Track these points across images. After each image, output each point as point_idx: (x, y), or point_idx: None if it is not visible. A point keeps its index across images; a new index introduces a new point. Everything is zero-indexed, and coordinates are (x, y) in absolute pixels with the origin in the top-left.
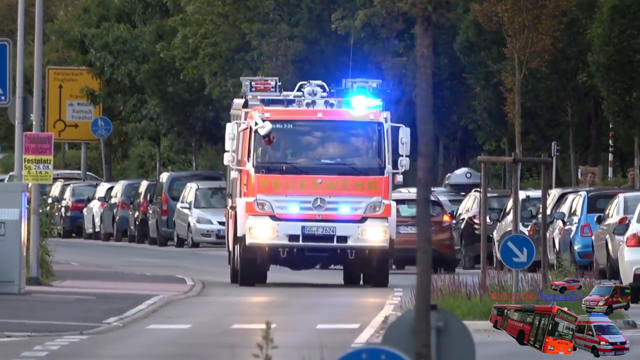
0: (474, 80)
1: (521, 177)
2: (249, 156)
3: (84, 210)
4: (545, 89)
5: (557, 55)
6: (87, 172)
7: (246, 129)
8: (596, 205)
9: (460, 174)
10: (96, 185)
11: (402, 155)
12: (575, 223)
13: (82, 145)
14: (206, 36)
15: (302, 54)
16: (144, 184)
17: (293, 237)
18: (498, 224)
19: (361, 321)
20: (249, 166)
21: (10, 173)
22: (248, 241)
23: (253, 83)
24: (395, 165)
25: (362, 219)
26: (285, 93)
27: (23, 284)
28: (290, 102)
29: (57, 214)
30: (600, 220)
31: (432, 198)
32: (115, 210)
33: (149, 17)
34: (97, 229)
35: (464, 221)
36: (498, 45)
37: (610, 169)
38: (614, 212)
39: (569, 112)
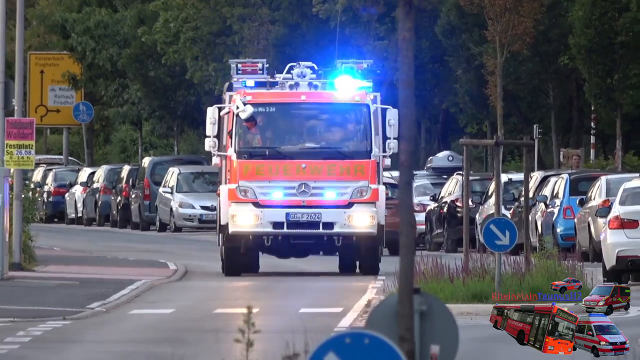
0: (455, 63)
1: (503, 160)
2: (231, 141)
3: (66, 195)
4: (526, 72)
5: (539, 38)
6: (69, 157)
7: (228, 113)
8: (578, 188)
9: (442, 157)
10: (78, 170)
11: (390, 138)
12: (558, 206)
13: (64, 130)
14: (187, 20)
15: (284, 38)
16: (126, 169)
17: (277, 225)
18: (480, 207)
19: (344, 305)
20: (231, 152)
21: None
22: (231, 229)
23: (240, 65)
24: (384, 148)
25: (349, 205)
26: (278, 75)
27: (6, 270)
28: (272, 85)
29: (39, 199)
30: (582, 203)
31: (392, 181)
32: (97, 195)
33: (130, 2)
34: (80, 214)
35: (447, 204)
36: (479, 28)
37: (592, 151)
38: (596, 194)
39: (551, 94)
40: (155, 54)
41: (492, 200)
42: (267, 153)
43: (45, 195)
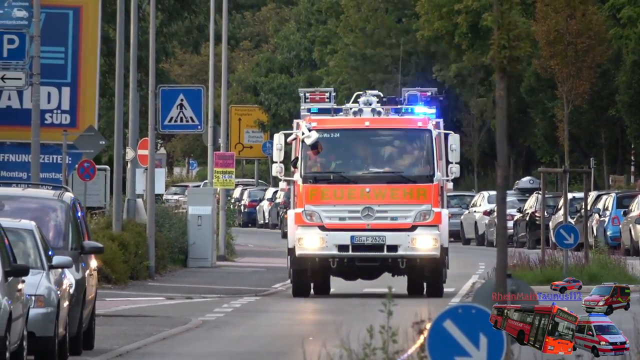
0: (534, 114)
1: (569, 183)
2: (297, 166)
3: (257, 207)
4: (585, 120)
5: (594, 96)
6: (259, 180)
7: (294, 139)
8: (623, 203)
9: (525, 181)
10: (265, 190)
11: (452, 162)
12: (608, 216)
13: (255, 161)
14: (343, 82)
15: None
16: None
17: (342, 247)
18: (553, 216)
19: (455, 286)
20: (297, 176)
21: (205, 181)
22: (298, 252)
23: (308, 94)
24: (446, 173)
25: (412, 228)
26: (349, 105)
27: (214, 260)
28: (337, 111)
29: (238, 210)
30: (625, 214)
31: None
32: (279, 207)
33: (302, 69)
34: (267, 221)
35: (529, 215)
36: (552, 89)
37: (632, 177)
38: (636, 207)
39: (603, 136)
40: None
41: (561, 212)
42: (331, 177)
43: (242, 207)
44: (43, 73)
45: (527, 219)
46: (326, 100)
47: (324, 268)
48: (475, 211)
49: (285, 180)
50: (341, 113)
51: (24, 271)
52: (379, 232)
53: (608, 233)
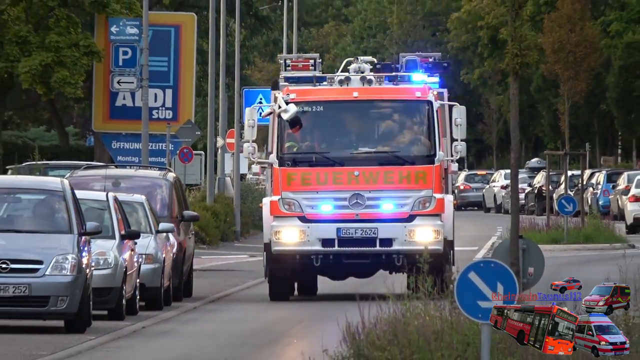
0: (541, 108)
1: (569, 163)
2: (272, 146)
3: None
4: (582, 113)
5: (589, 93)
6: None
7: (270, 113)
8: (612, 179)
9: (534, 161)
10: None
11: (456, 140)
12: (600, 189)
13: None
14: None
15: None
16: None
17: (327, 242)
18: (556, 189)
19: (478, 245)
20: (273, 158)
21: None
22: (274, 248)
23: (289, 61)
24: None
25: (409, 218)
26: (335, 73)
27: None
28: (320, 80)
29: None
30: (614, 187)
31: None
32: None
33: None
34: None
35: (537, 189)
36: (555, 88)
37: (619, 158)
38: (622, 182)
39: (596, 126)
40: None
41: (562, 186)
42: (314, 159)
43: None
44: (150, 78)
45: (536, 192)
46: (310, 68)
47: (305, 267)
48: (494, 186)
49: (258, 163)
50: (325, 82)
51: (136, 235)
52: (370, 223)
53: (600, 203)
